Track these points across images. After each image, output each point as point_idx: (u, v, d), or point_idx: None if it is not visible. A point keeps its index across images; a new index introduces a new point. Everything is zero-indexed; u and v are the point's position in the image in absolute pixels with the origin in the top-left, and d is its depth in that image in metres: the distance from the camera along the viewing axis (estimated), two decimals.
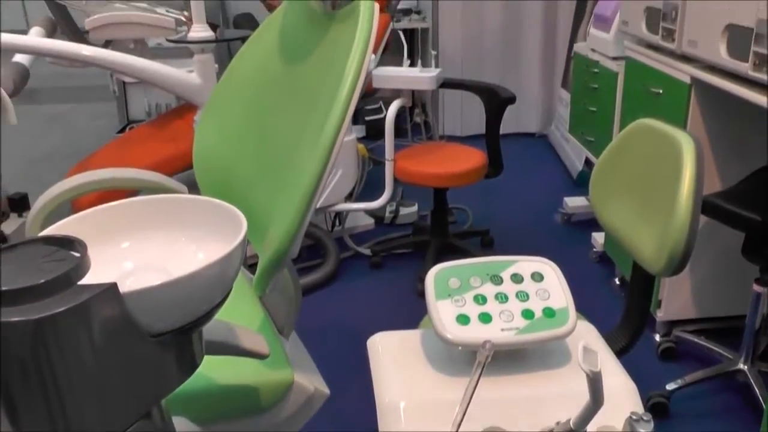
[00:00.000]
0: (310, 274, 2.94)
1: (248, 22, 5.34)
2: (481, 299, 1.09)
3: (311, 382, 1.23)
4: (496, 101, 2.90)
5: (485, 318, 1.07)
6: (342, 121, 1.00)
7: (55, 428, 0.65)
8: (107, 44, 3.29)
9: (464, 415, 0.86)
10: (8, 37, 2.42)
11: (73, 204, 2.18)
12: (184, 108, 3.34)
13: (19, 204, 3.12)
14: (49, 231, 0.75)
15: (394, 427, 0.99)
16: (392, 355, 1.13)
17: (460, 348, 1.08)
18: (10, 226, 2.99)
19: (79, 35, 3.33)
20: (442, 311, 1.07)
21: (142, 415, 0.71)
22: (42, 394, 0.64)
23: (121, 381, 0.67)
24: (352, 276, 3.05)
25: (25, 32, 2.83)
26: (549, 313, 1.07)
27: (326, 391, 1.28)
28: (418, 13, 5.36)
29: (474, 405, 0.90)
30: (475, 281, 1.12)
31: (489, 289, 1.10)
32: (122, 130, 4.75)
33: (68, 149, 4.73)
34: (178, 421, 0.91)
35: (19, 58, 2.69)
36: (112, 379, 0.66)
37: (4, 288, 0.62)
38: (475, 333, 1.04)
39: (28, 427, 0.65)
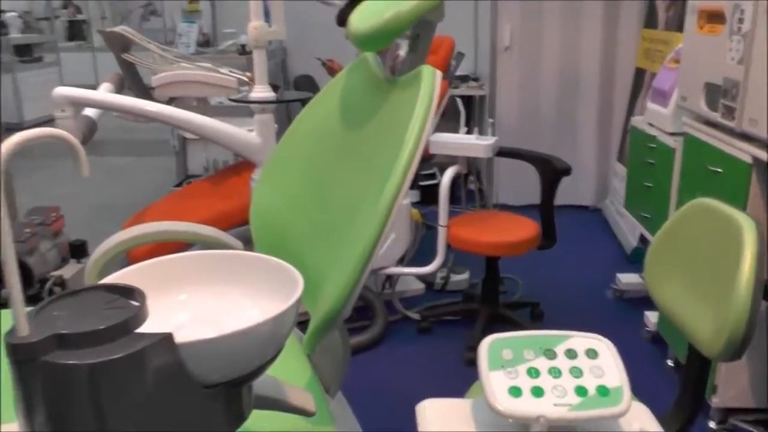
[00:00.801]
0: (358, 335, 2.92)
1: (308, 84, 5.46)
2: (534, 372, 1.07)
3: None
4: (551, 172, 2.89)
5: (537, 392, 1.04)
6: (401, 185, 1.01)
7: None
8: (171, 101, 3.39)
9: None
10: (80, 92, 2.52)
11: (129, 254, 2.22)
12: (242, 165, 3.41)
13: (79, 250, 3.20)
14: (110, 279, 0.77)
15: None
16: (441, 423, 1.12)
17: (510, 420, 1.06)
18: (68, 271, 3.06)
19: (146, 91, 3.44)
20: (495, 382, 1.05)
21: None
22: None
23: (170, 429, 0.67)
24: (399, 339, 3.03)
25: (95, 87, 2.94)
26: (603, 391, 1.04)
27: None
28: (476, 80, 5.41)
29: None
30: (529, 354, 1.10)
31: (542, 363, 1.08)
32: (179, 184, 4.86)
33: (127, 200, 4.85)
34: None
35: (89, 111, 2.79)
36: (161, 426, 0.66)
37: (64, 331, 0.63)
38: (527, 406, 1.02)
39: None
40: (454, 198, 3.13)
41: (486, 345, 1.12)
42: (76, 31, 9.72)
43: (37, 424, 0.64)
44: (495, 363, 1.09)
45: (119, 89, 3.22)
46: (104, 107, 2.67)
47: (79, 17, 9.64)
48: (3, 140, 0.64)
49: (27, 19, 8.82)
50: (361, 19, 1.18)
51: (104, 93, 2.66)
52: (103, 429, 0.64)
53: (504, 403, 1.03)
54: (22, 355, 0.63)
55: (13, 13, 8.36)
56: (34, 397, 0.63)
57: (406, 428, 2.08)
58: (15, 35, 8.23)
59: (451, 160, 2.94)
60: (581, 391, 1.04)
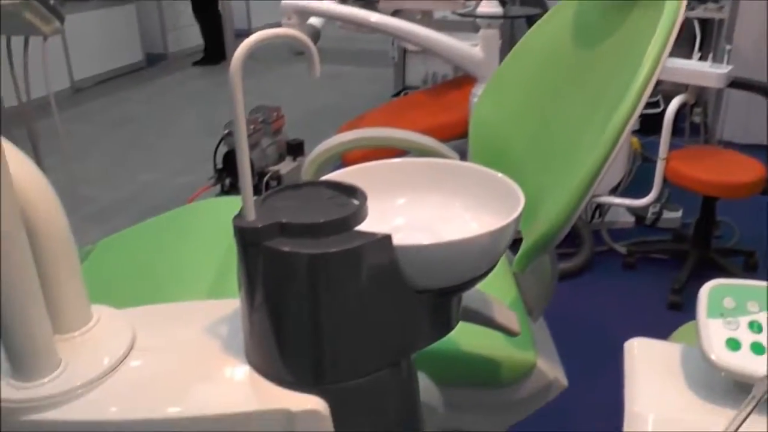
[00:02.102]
0: (562, 262, 2.87)
1: (536, 1, 5.27)
2: (756, 327, 0.98)
3: (552, 369, 1.20)
4: None
5: (758, 349, 0.96)
6: (633, 110, 0.95)
7: (312, 360, 0.68)
8: (395, 13, 3.41)
9: None
10: (307, 3, 2.60)
11: (344, 157, 2.29)
12: (462, 80, 3.38)
13: (296, 149, 3.36)
14: (332, 177, 0.78)
15: None
16: (649, 364, 1.06)
17: (723, 374, 0.99)
18: (285, 167, 3.23)
19: (370, 3, 3.48)
20: (712, 331, 0.98)
21: (391, 364, 0.73)
22: (305, 325, 0.67)
23: (379, 328, 0.69)
24: (602, 272, 2.94)
25: None
26: None
27: (565, 382, 1.24)
28: (716, 1, 4.97)
29: None
30: (753, 306, 1.01)
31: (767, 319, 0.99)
32: (397, 95, 4.92)
33: (344, 107, 4.99)
34: (419, 377, 0.93)
35: (313, 20, 2.87)
36: (370, 325, 0.68)
37: (286, 221, 0.65)
38: (744, 362, 0.94)
39: (288, 353, 0.69)
40: (676, 130, 2.94)
41: (707, 289, 1.04)
42: None
43: (257, 303, 0.67)
44: (714, 310, 1.01)
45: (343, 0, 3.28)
46: (329, 17, 2.73)
47: None
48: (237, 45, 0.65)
49: None
50: None
51: (330, 3, 2.70)
52: (315, 316, 0.66)
53: (720, 354, 0.95)
54: (247, 239, 0.66)
55: None
56: (255, 278, 0.67)
57: (603, 362, 2.03)
58: None
59: (679, 89, 2.73)
60: None
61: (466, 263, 0.69)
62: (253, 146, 3.13)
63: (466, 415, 1.18)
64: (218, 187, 3.28)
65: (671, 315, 2.66)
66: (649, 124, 4.45)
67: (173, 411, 0.68)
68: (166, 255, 1.32)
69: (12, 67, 2.65)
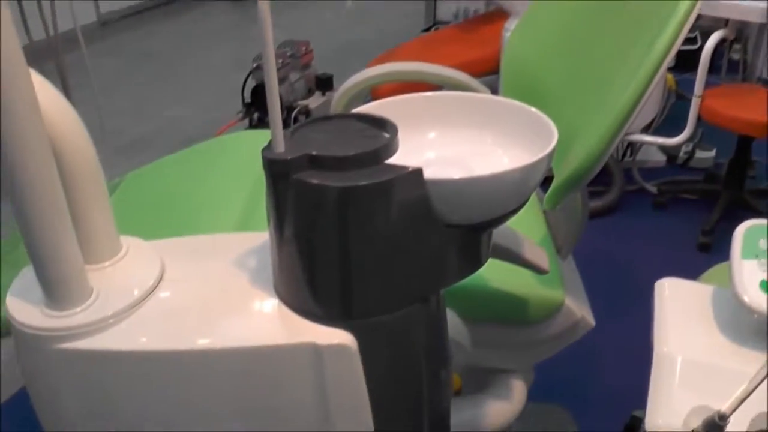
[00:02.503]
0: (592, 201, 2.84)
1: None
2: None
3: (579, 308, 1.19)
4: None
5: None
6: (670, 46, 0.93)
7: (341, 294, 0.68)
8: None
9: (749, 394, 0.77)
10: None
11: (373, 92, 2.26)
12: (495, 14, 3.31)
13: (325, 83, 3.33)
14: (363, 109, 0.76)
15: (667, 379, 0.92)
16: (679, 305, 1.05)
17: (755, 316, 0.97)
18: (314, 102, 3.21)
19: None
20: (746, 272, 0.96)
21: (420, 299, 0.72)
22: (334, 259, 0.67)
23: (408, 263, 0.68)
24: (632, 211, 2.92)
25: None
26: None
27: (592, 321, 1.24)
28: None
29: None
30: None
31: None
32: (427, 30, 4.84)
33: (373, 42, 4.92)
34: (447, 314, 0.93)
35: None
36: (399, 259, 0.67)
37: (316, 153, 0.64)
38: None
39: (317, 286, 0.69)
40: (713, 67, 2.88)
41: (742, 230, 1.02)
42: None
43: (285, 236, 0.67)
44: (749, 251, 0.99)
45: None
46: None
47: None
48: None
49: None
50: None
51: None
52: (344, 249, 0.66)
53: (753, 296, 0.94)
54: (276, 171, 0.65)
55: None
56: (284, 211, 0.66)
57: (630, 302, 2.02)
58: None
59: (718, 24, 2.66)
60: None
61: (497, 199, 0.68)
62: (281, 80, 3.11)
63: (493, 352, 1.19)
64: (246, 122, 3.27)
65: (700, 256, 2.63)
66: (686, 61, 4.33)
67: (202, 342, 0.69)
68: (195, 187, 1.32)
69: (39, 0, 2.63)
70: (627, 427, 1.84)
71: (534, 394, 1.30)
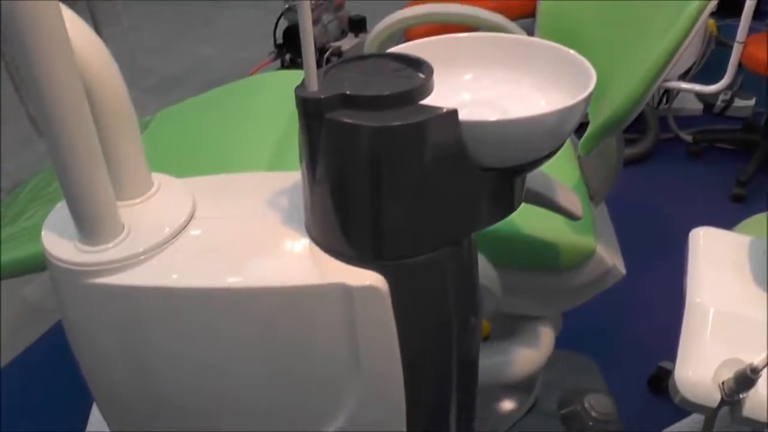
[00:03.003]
0: (626, 148, 2.80)
1: None
2: None
3: (611, 256, 1.18)
4: None
5: None
6: None
7: (373, 234, 0.67)
8: None
9: None
10: None
11: (407, 34, 2.23)
12: None
13: (358, 25, 3.29)
14: (399, 49, 0.75)
15: (698, 330, 0.91)
16: (713, 255, 1.04)
17: None
18: (347, 43, 3.17)
19: None
20: None
21: (452, 242, 0.72)
22: (366, 199, 0.66)
23: (441, 205, 0.67)
24: (666, 159, 2.88)
25: None
26: None
27: (623, 270, 1.22)
28: None
29: None
30: None
31: None
32: None
33: None
34: (479, 259, 0.92)
35: None
36: (432, 201, 0.67)
37: (350, 92, 0.63)
38: None
39: (349, 226, 0.68)
40: (758, 12, 2.77)
41: None
42: None
43: (318, 176, 0.66)
44: None
45: None
46: None
47: None
48: None
49: None
50: None
51: None
52: (376, 190, 0.65)
53: None
54: (309, 109, 0.64)
55: None
56: (316, 151, 0.65)
57: (661, 251, 2.00)
58: None
59: None
60: None
61: (532, 142, 0.66)
62: (314, 22, 3.07)
63: (522, 298, 1.18)
64: (278, 63, 3.25)
65: (734, 207, 2.59)
66: (728, 6, 4.19)
67: (233, 281, 0.69)
68: (227, 126, 1.32)
69: None
70: (652, 378, 1.84)
71: (560, 342, 1.30)
